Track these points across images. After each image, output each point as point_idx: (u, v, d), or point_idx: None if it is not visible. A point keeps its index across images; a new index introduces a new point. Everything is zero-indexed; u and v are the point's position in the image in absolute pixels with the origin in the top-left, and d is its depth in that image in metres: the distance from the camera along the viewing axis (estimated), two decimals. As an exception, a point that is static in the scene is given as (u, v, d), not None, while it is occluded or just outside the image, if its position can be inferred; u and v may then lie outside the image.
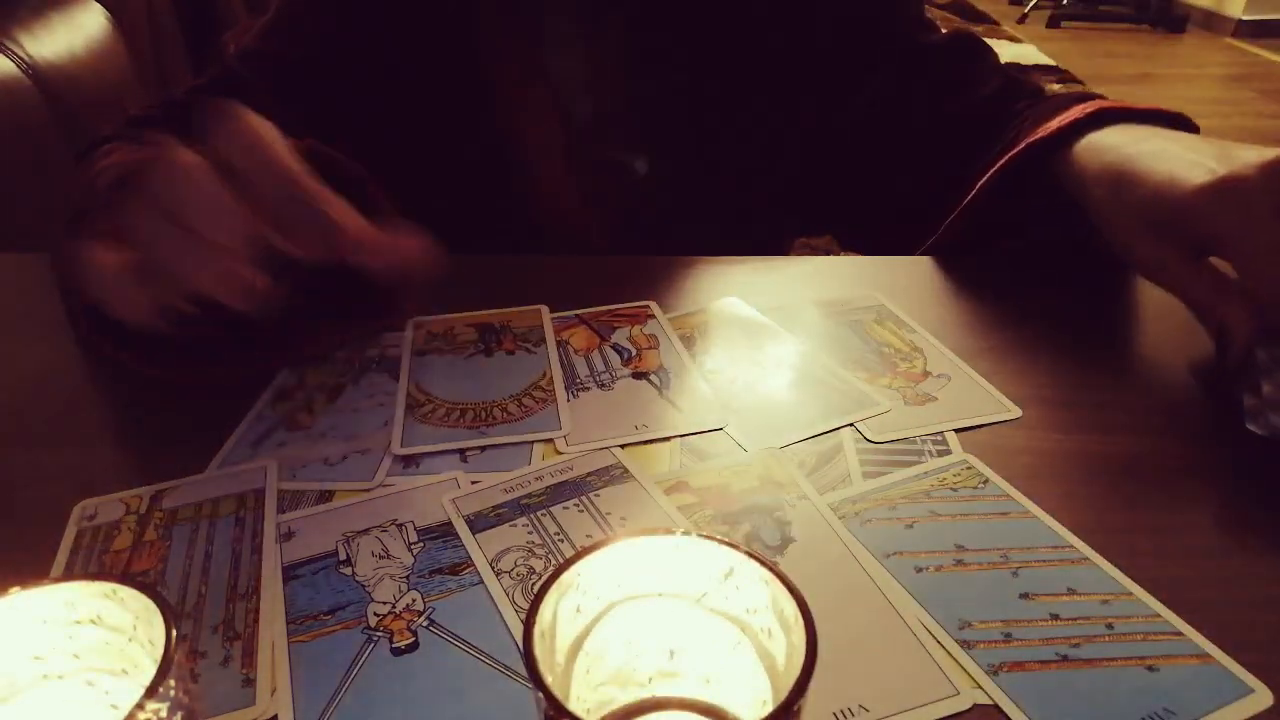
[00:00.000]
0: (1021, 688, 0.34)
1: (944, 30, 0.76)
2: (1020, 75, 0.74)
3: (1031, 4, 5.04)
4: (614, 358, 0.55)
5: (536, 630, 0.24)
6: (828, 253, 0.91)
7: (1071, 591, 0.39)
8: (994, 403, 0.51)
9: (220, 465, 0.47)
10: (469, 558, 0.41)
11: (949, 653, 0.36)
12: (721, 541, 0.26)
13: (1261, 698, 0.34)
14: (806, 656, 0.23)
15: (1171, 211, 0.50)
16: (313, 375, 0.54)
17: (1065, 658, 0.36)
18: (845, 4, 0.73)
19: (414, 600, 0.39)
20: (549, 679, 0.22)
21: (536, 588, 0.25)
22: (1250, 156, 0.48)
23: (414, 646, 0.37)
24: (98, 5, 0.99)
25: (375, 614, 0.38)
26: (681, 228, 0.75)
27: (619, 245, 0.73)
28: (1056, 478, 0.45)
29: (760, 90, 0.73)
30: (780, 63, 0.72)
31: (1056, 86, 3.60)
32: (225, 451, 0.48)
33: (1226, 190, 0.47)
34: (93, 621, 0.27)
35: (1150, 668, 0.35)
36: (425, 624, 0.38)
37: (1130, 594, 0.38)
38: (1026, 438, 0.49)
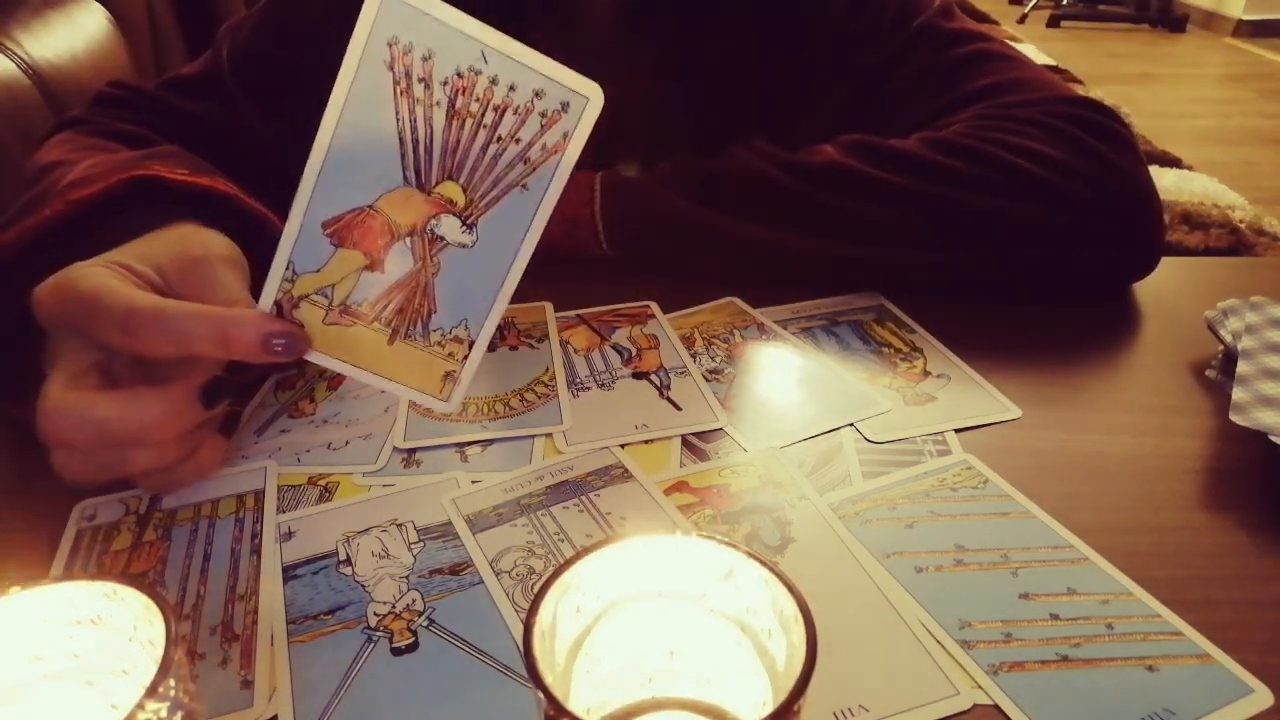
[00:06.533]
0: (1021, 688, 0.34)
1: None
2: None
3: (1031, 4, 5.03)
4: (614, 358, 0.55)
5: (536, 630, 0.24)
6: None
7: (1071, 591, 0.39)
8: (994, 403, 0.51)
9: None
10: (469, 558, 0.41)
11: (949, 653, 0.36)
12: (721, 541, 0.26)
13: (1261, 698, 0.34)
14: (806, 656, 0.23)
15: None
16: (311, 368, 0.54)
17: (1065, 658, 0.36)
18: (852, 21, 0.72)
19: (414, 600, 0.39)
20: (549, 679, 0.22)
21: (536, 588, 0.25)
22: None
23: (414, 646, 0.37)
24: (98, 5, 0.99)
25: (375, 614, 0.38)
26: None
27: None
28: (1056, 478, 0.45)
29: (768, 111, 0.72)
30: (788, 87, 0.72)
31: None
32: (230, 441, 0.48)
33: None
34: (93, 621, 0.27)
35: (1150, 668, 0.35)
36: (425, 624, 0.38)
37: (1130, 594, 0.38)
38: (1026, 438, 0.49)
